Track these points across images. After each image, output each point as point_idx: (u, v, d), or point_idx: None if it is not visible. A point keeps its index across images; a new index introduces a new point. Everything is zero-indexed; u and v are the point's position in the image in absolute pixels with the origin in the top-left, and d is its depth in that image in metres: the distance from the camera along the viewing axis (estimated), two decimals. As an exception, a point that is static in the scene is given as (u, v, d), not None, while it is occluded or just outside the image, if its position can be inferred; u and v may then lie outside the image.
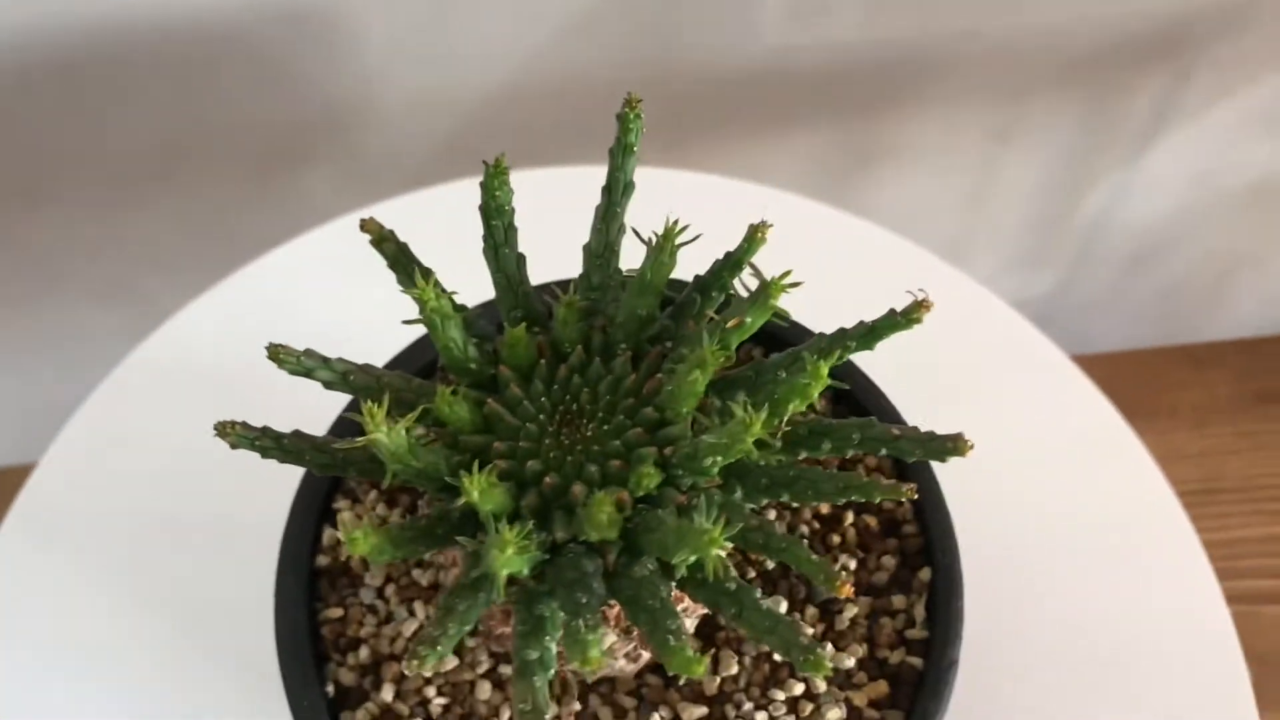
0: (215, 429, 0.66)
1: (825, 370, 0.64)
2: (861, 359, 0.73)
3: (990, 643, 0.92)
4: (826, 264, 1.19)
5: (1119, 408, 1.13)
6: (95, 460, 1.15)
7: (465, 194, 1.22)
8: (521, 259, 0.75)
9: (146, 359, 1.18)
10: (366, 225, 0.76)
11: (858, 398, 0.93)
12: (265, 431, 0.68)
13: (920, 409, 0.90)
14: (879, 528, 0.90)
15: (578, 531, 0.67)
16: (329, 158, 1.46)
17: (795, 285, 0.68)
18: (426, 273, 0.75)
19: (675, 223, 0.70)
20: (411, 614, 0.87)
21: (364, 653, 0.86)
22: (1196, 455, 1.77)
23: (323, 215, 1.33)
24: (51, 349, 1.60)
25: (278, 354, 0.69)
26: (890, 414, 0.91)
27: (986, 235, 1.68)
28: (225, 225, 1.50)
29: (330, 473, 0.70)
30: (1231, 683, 1.04)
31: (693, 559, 0.62)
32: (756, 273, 0.69)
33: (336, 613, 0.87)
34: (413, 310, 0.70)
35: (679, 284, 0.77)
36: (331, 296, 1.22)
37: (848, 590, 0.62)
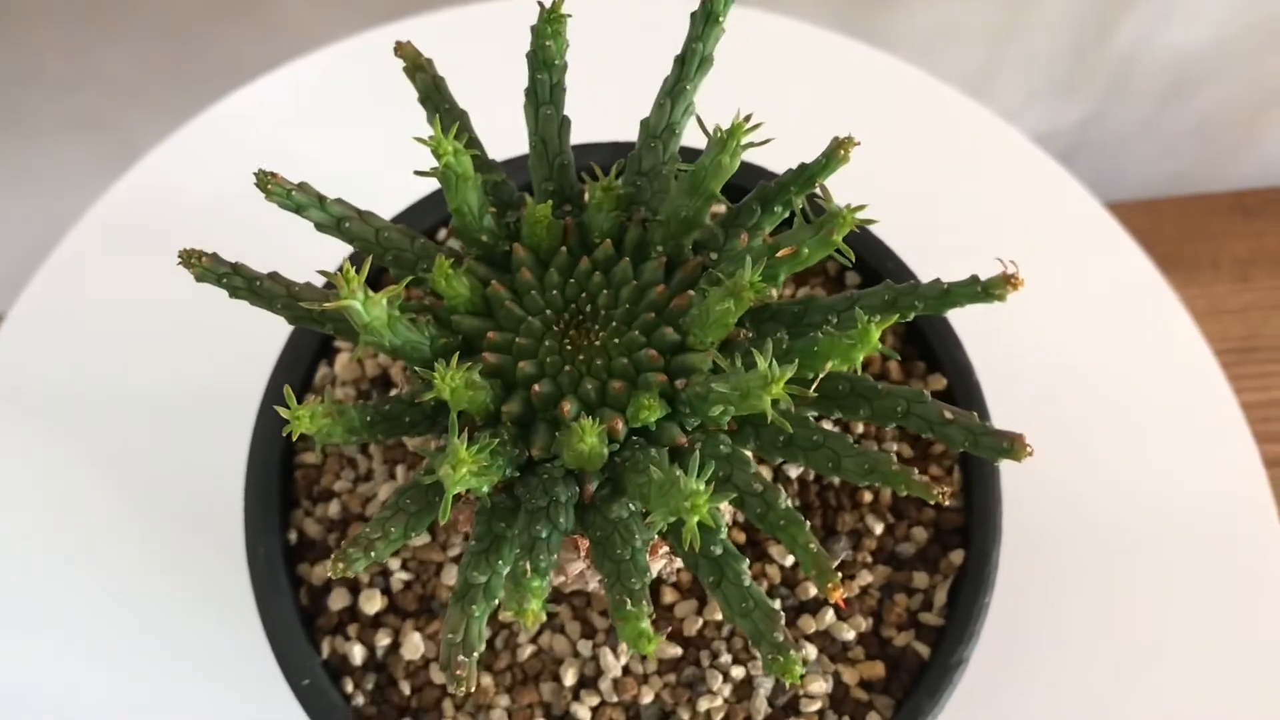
0: (179, 256, 0.59)
1: (876, 335, 0.53)
2: (882, 207, 0.62)
3: (1017, 510, 0.83)
4: (846, 99, 1.10)
5: (1158, 257, 1.01)
6: (61, 321, 1.04)
7: (488, 19, 1.11)
8: (565, 123, 0.65)
9: (113, 208, 1.06)
10: (402, 49, 0.66)
11: (920, 329, 0.82)
12: (237, 269, 0.60)
13: (941, 257, 0.79)
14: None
15: (558, 453, 0.59)
16: None
17: (869, 222, 0.57)
18: (456, 117, 0.66)
19: (746, 119, 0.59)
20: (391, 476, 0.80)
21: (334, 507, 0.80)
22: (1239, 310, 1.60)
23: (302, 37, 1.21)
24: (23, 185, 1.48)
25: (266, 183, 0.60)
26: (954, 360, 0.80)
27: (1015, 64, 1.54)
28: (198, 50, 1.36)
29: (305, 325, 0.62)
30: (1266, 550, 0.95)
31: (671, 520, 0.53)
32: (825, 196, 0.58)
33: (313, 458, 0.81)
34: (426, 158, 0.60)
35: (742, 186, 0.67)
36: (322, 136, 1.09)
37: (838, 595, 0.53)
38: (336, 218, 0.62)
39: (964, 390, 0.79)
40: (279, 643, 0.76)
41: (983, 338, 0.85)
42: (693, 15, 0.63)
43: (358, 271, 0.55)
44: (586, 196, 0.64)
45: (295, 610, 0.77)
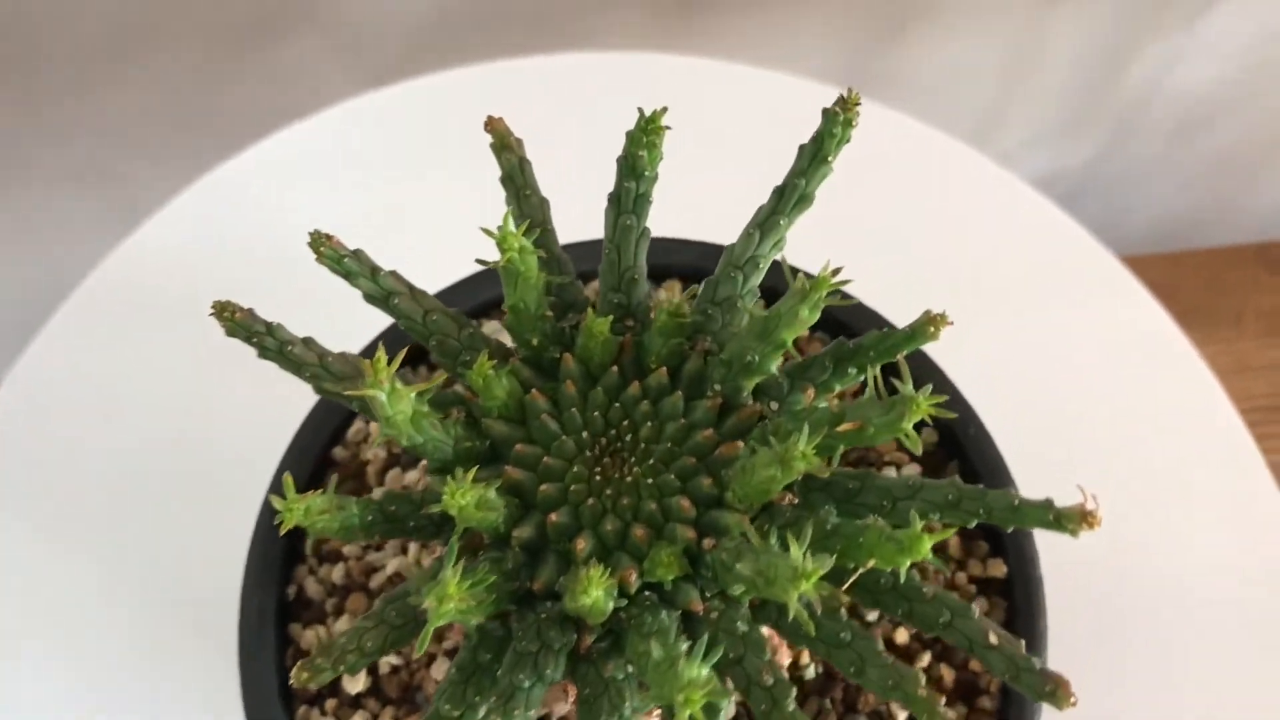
0: (213, 308, 0.55)
1: (928, 547, 0.48)
2: (901, 266, 0.58)
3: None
4: (857, 158, 1.04)
5: (1179, 312, 0.96)
6: (57, 392, 0.98)
7: (513, 75, 1.07)
8: (644, 235, 0.60)
9: (112, 274, 1.00)
10: (492, 125, 0.62)
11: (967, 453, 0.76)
12: (272, 329, 0.57)
13: (965, 320, 0.73)
14: (953, 682, 0.74)
15: (560, 592, 0.54)
16: (311, 26, 1.24)
17: (947, 416, 0.52)
18: (535, 207, 0.62)
19: (835, 272, 0.54)
20: (402, 551, 0.76)
21: (339, 571, 0.76)
22: (1265, 367, 1.51)
23: (309, 85, 1.16)
24: (22, 237, 1.41)
25: (319, 245, 0.57)
26: (1020, 550, 0.74)
27: (1022, 103, 1.47)
28: (204, 102, 1.31)
29: (330, 397, 0.58)
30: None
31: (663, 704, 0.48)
32: (902, 371, 0.53)
33: (330, 517, 0.78)
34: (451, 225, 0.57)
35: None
36: (332, 194, 1.04)
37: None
38: (386, 292, 0.59)
39: (1024, 586, 0.73)
40: (251, 699, 0.72)
41: (1002, 395, 0.83)
42: (801, 149, 0.58)
43: (390, 361, 0.52)
44: (652, 314, 0.59)
45: (276, 670, 0.73)
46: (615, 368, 0.59)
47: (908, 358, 0.55)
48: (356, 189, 1.03)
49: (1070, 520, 0.49)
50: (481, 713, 0.53)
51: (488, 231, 0.55)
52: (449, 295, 0.76)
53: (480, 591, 0.49)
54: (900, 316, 0.77)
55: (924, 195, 1.05)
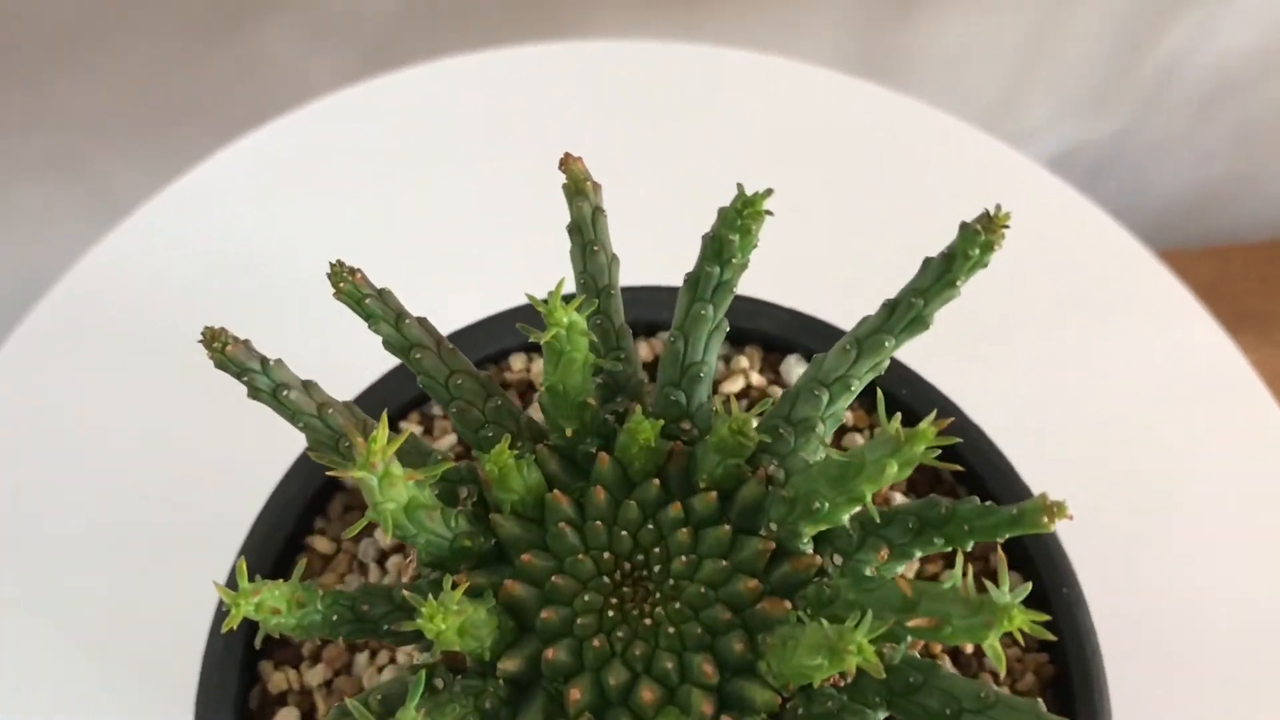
0: (202, 335, 0.47)
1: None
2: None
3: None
4: (862, 144, 0.96)
5: (1228, 313, 0.86)
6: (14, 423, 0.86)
7: (484, 69, 0.95)
8: (718, 329, 0.51)
9: (66, 301, 0.87)
10: (569, 166, 0.53)
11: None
12: (266, 367, 0.48)
13: (995, 330, 0.80)
14: None
15: (542, 745, 0.45)
16: (285, 12, 1.13)
17: (1040, 631, 0.42)
18: (602, 266, 0.53)
19: (936, 419, 0.44)
20: (372, 661, 0.67)
21: (318, 672, 0.67)
22: None
23: (278, 72, 1.05)
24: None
25: (339, 279, 0.48)
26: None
27: (1045, 77, 1.40)
28: (175, 89, 1.20)
29: (323, 454, 0.50)
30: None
31: None
32: (1000, 572, 0.43)
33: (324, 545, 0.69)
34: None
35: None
36: (312, 197, 0.92)
37: None
38: (410, 343, 0.50)
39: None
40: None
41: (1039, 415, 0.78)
42: (926, 262, 0.48)
43: (393, 436, 0.43)
44: (714, 423, 0.50)
45: (235, 710, 0.65)
46: (657, 480, 0.49)
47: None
48: (340, 189, 0.93)
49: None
50: None
51: (534, 300, 0.46)
52: (471, 334, 0.66)
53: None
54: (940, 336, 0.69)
55: (944, 186, 0.95)
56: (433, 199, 0.88)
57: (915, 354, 0.62)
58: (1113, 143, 1.49)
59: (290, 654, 0.68)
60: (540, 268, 0.57)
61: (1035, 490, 0.66)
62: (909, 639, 0.46)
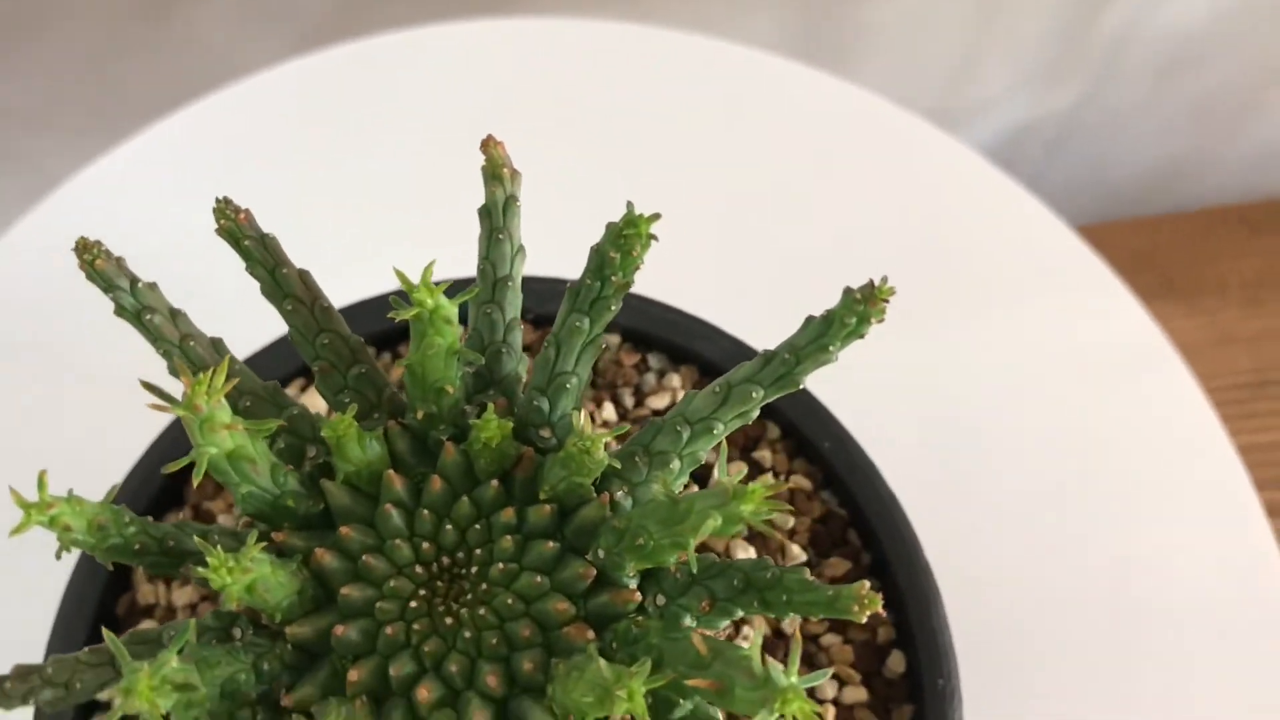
0: (75, 244, 0.47)
1: None
2: (853, 245, 0.55)
3: (998, 571, 0.78)
4: (808, 131, 0.94)
5: (1159, 282, 0.88)
6: None
7: (420, 46, 0.92)
8: (595, 344, 0.50)
9: None
10: (489, 148, 0.52)
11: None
12: (136, 288, 0.48)
13: (918, 300, 0.80)
14: None
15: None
16: None
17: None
18: (504, 255, 0.52)
19: (771, 486, 0.43)
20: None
21: (187, 593, 0.67)
22: (1250, 339, 1.36)
23: (216, 56, 1.02)
24: None
25: (223, 214, 0.48)
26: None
27: (1000, 49, 1.37)
28: (110, 75, 1.17)
29: (155, 389, 0.49)
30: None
31: None
32: (791, 656, 0.42)
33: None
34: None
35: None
36: (233, 176, 0.90)
37: None
38: (284, 293, 0.49)
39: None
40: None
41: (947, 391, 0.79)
42: (808, 321, 0.47)
43: (227, 379, 0.43)
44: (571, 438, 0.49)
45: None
46: (498, 482, 0.48)
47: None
48: (263, 170, 0.91)
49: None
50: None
51: (401, 277, 0.45)
52: (368, 308, 0.65)
53: (190, 696, 0.40)
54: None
55: (881, 174, 0.94)
56: (363, 177, 0.87)
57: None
58: (1071, 115, 1.46)
59: (160, 569, 0.68)
60: (466, 251, 0.56)
61: (914, 498, 0.69)
62: (695, 699, 0.45)
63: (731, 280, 0.78)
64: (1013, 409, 0.85)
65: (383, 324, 0.66)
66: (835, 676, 0.66)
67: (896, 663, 0.66)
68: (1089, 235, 0.90)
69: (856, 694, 0.66)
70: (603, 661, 0.42)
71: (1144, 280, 0.86)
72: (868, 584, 0.43)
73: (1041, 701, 0.79)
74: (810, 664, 0.67)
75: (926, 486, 0.72)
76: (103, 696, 0.41)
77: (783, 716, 0.41)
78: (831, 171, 0.90)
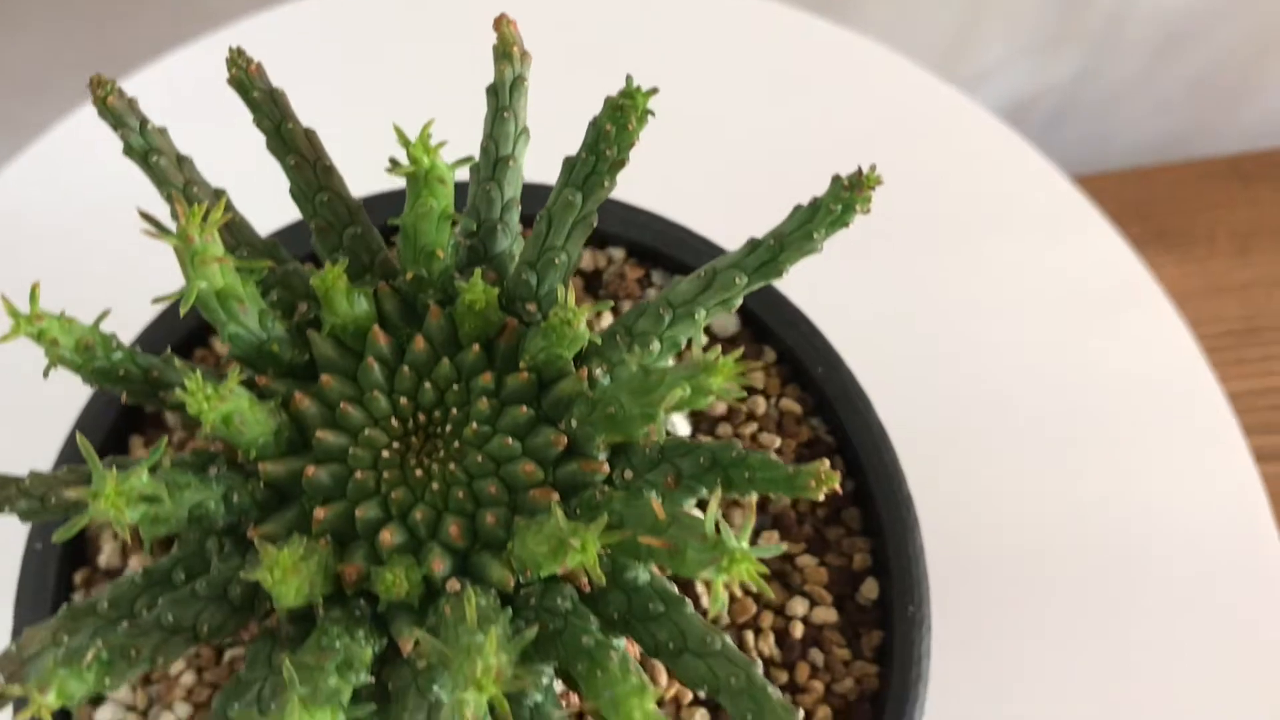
0: (90, 80, 0.48)
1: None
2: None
3: (985, 508, 0.79)
4: (807, 80, 0.94)
5: (1150, 232, 0.89)
6: None
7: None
8: (586, 221, 0.50)
9: None
10: (501, 27, 0.52)
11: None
12: (145, 129, 0.49)
13: (910, 242, 0.82)
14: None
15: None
16: None
17: (773, 554, 0.41)
18: (509, 135, 0.52)
19: (740, 359, 0.43)
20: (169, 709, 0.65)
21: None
22: (1239, 288, 1.38)
23: (216, 16, 1.04)
24: None
25: (234, 62, 0.49)
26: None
27: (999, 18, 1.37)
28: (108, 38, 1.15)
29: (152, 220, 0.50)
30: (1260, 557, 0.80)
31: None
32: (748, 513, 0.42)
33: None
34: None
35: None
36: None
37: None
38: (288, 149, 0.50)
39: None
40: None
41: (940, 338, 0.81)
42: (795, 210, 0.47)
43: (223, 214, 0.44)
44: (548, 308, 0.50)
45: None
46: (478, 347, 0.49)
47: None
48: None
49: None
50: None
51: (399, 133, 0.46)
52: (382, 201, 0.66)
53: (329, 705, 0.41)
54: (850, 248, 0.69)
55: (875, 119, 0.95)
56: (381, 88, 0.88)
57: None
58: (1069, 90, 1.46)
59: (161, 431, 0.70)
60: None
61: (895, 416, 0.70)
62: (649, 569, 0.45)
63: (738, 203, 0.78)
64: (1000, 344, 0.86)
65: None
66: (806, 595, 0.67)
67: (870, 589, 0.67)
68: (1081, 186, 0.90)
69: (826, 615, 0.66)
70: (561, 515, 0.43)
71: (1135, 230, 0.87)
72: (827, 462, 0.43)
73: (1013, 640, 0.79)
74: (784, 583, 0.67)
75: (910, 419, 0.73)
76: (70, 495, 0.42)
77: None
78: (830, 115, 0.91)
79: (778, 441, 0.69)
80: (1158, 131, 1.52)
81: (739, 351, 0.44)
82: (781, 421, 0.70)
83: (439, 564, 0.45)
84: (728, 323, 0.72)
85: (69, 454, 0.64)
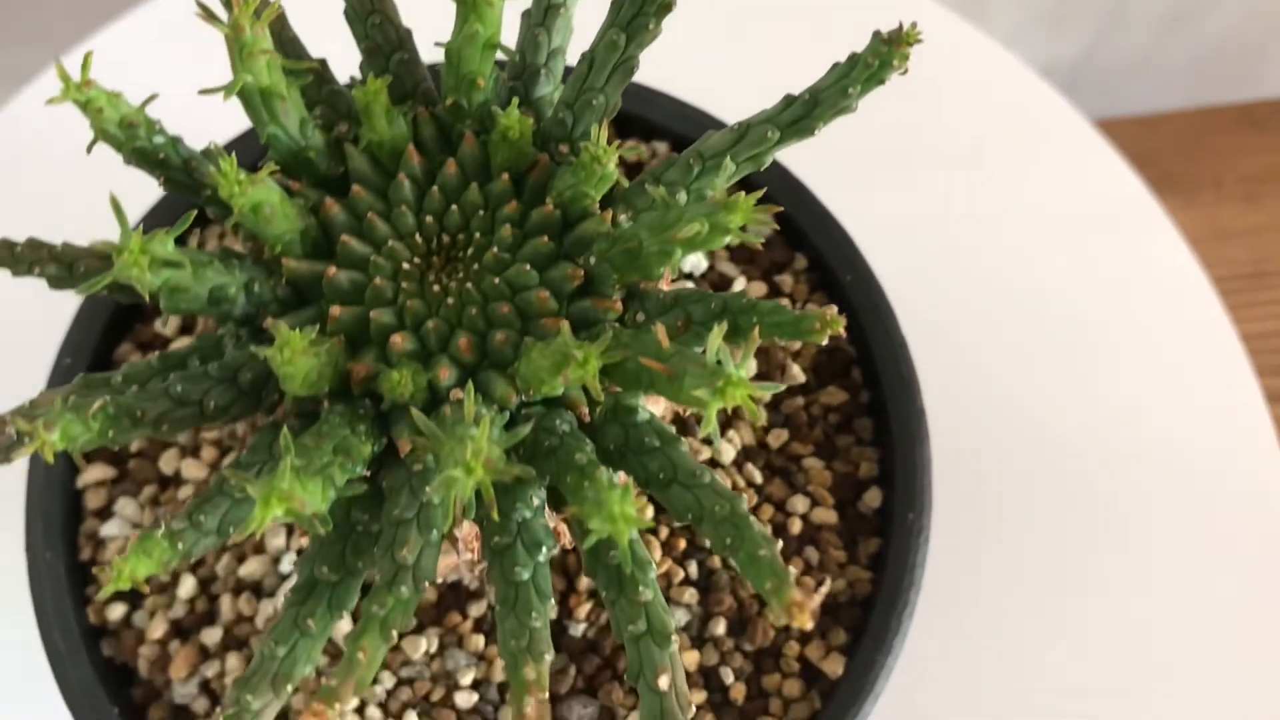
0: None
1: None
2: (867, 119, 0.56)
3: (996, 440, 0.80)
4: (828, 23, 0.92)
5: (1155, 178, 0.89)
6: None
7: None
8: (629, 64, 0.51)
9: None
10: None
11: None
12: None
13: (929, 174, 0.84)
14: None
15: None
16: None
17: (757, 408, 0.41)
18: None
19: (760, 202, 0.44)
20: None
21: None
22: (1247, 233, 1.40)
23: None
24: None
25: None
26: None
27: None
28: None
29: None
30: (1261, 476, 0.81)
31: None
32: (746, 349, 0.43)
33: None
34: None
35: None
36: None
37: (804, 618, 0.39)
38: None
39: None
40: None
41: (963, 253, 0.82)
42: (834, 67, 0.47)
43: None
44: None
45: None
46: (508, 177, 0.50)
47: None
48: None
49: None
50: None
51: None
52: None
53: (320, 475, 0.42)
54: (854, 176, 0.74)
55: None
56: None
57: (832, 178, 0.68)
58: (1078, 62, 1.46)
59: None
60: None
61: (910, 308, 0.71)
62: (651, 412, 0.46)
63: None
64: (1009, 259, 0.86)
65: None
66: (809, 495, 0.67)
67: (873, 498, 0.67)
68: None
69: (826, 515, 0.66)
70: (569, 332, 0.43)
71: (1142, 176, 0.88)
72: (834, 307, 0.44)
73: (1014, 554, 0.79)
74: (788, 481, 0.68)
75: (921, 331, 0.73)
76: (95, 243, 0.43)
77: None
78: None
79: (797, 343, 0.70)
80: (1167, 100, 1.53)
81: (760, 193, 0.44)
82: (804, 325, 0.70)
83: (445, 372, 0.46)
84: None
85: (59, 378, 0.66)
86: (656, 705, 0.43)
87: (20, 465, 0.69)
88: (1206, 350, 0.82)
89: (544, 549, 0.46)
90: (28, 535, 0.65)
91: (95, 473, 0.68)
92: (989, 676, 0.76)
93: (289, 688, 0.43)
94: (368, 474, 0.46)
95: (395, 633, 0.43)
